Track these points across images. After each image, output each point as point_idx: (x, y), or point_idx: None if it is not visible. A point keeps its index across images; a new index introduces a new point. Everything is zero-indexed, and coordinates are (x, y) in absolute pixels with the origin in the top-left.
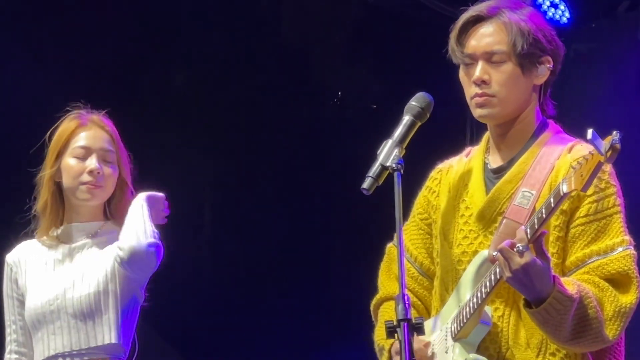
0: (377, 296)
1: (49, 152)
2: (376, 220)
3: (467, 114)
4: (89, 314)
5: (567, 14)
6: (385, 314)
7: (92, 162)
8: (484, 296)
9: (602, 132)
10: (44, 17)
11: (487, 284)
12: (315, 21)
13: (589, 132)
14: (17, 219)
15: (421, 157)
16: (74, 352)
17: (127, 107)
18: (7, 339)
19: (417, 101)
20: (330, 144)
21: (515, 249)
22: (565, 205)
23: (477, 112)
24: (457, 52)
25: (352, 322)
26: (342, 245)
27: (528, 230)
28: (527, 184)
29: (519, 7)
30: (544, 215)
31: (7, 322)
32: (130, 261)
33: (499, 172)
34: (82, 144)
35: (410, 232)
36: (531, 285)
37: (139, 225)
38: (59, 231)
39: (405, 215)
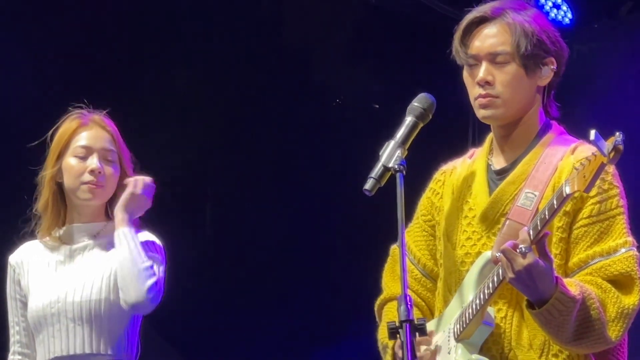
0: (381, 297)
1: (50, 152)
2: (379, 221)
3: (469, 115)
4: (87, 320)
5: (569, 15)
6: (388, 314)
7: (93, 162)
8: (486, 297)
9: (605, 134)
10: (45, 17)
11: (490, 285)
12: (317, 21)
13: (592, 133)
14: (19, 220)
15: (423, 158)
16: (73, 356)
17: (128, 107)
18: (11, 340)
19: (419, 102)
20: (332, 144)
21: (518, 250)
22: (568, 207)
23: (480, 113)
24: (461, 53)
25: (355, 323)
26: (344, 246)
27: (531, 232)
28: (530, 185)
29: (523, 8)
30: (546, 217)
31: (10, 324)
32: (134, 310)
33: (502, 173)
34: (83, 143)
35: (413, 234)
36: (534, 286)
37: (132, 270)
38: (61, 232)
39: (408, 216)
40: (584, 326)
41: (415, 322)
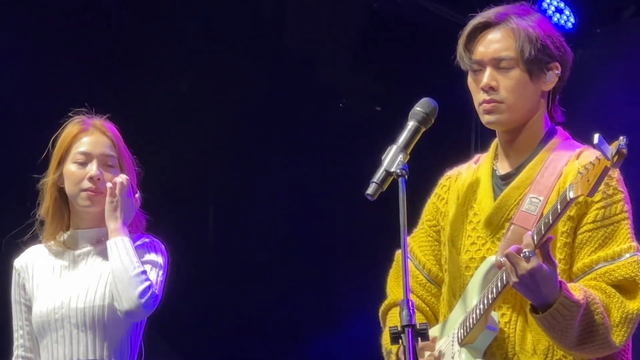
0: (386, 302)
1: (51, 158)
2: (383, 227)
3: (471, 120)
4: (90, 326)
5: (572, 19)
6: (392, 319)
7: (92, 168)
8: (490, 302)
9: (608, 138)
10: (45, 19)
11: (494, 289)
12: (320, 25)
13: (596, 137)
14: (24, 225)
15: (426, 162)
16: None
17: (129, 111)
18: (15, 344)
19: (421, 107)
20: (335, 148)
21: (521, 254)
22: (572, 212)
23: (485, 119)
24: (465, 59)
25: (358, 328)
26: (346, 249)
27: (535, 236)
28: (535, 191)
29: (527, 14)
30: (550, 221)
31: (14, 327)
32: (129, 318)
33: (507, 178)
34: (82, 149)
35: (418, 239)
36: (537, 291)
37: (124, 278)
38: (65, 236)
39: (411, 220)
40: (587, 331)
41: (418, 327)
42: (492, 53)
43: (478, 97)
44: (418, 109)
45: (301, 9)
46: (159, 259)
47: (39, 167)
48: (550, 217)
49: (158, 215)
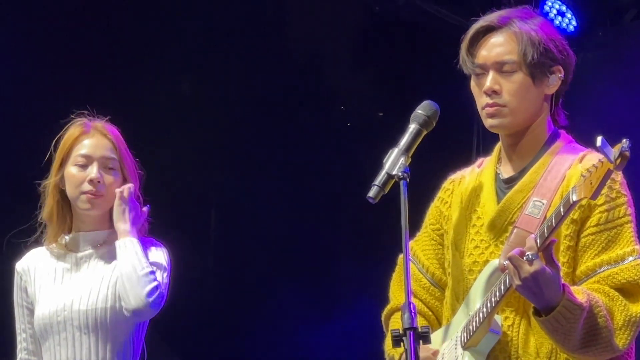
0: (388, 306)
1: (54, 160)
2: (385, 230)
3: (473, 123)
4: (93, 328)
5: (574, 22)
6: (395, 323)
7: (92, 171)
8: (493, 305)
9: (610, 141)
10: (48, 23)
11: (497, 292)
12: (322, 29)
13: (598, 140)
14: (26, 227)
15: (428, 165)
16: None
17: (131, 114)
18: (18, 347)
19: (423, 109)
20: (337, 151)
21: (525, 257)
22: (575, 215)
23: (488, 122)
24: (468, 63)
25: (359, 333)
26: (348, 251)
27: (538, 239)
28: (538, 194)
29: (529, 17)
30: (553, 224)
31: (17, 330)
32: (135, 317)
33: (510, 182)
34: (83, 152)
35: (422, 243)
36: (540, 294)
37: (132, 277)
38: (67, 239)
39: (412, 223)
40: (591, 334)
41: (419, 330)
42: (495, 57)
43: (481, 100)
44: (420, 111)
45: (302, 12)
46: (163, 261)
47: (41, 170)
48: (553, 220)
49: (160, 218)
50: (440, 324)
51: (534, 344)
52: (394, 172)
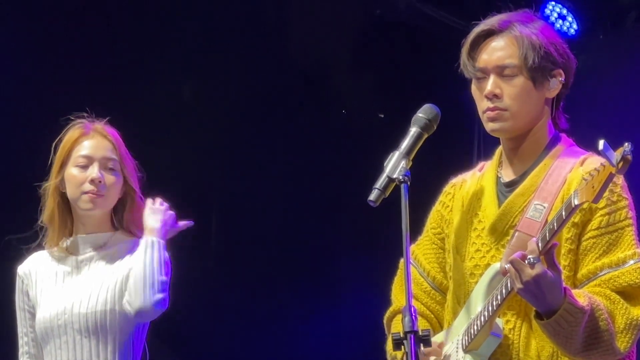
0: (390, 309)
1: (54, 162)
2: (387, 233)
3: (475, 126)
4: (94, 331)
5: (574, 26)
6: (396, 326)
7: (93, 171)
8: (495, 308)
9: (612, 144)
10: (48, 25)
11: (499, 296)
12: (323, 31)
13: (601, 143)
14: (27, 231)
15: (428, 169)
16: None
17: (132, 117)
18: (20, 350)
19: (424, 113)
20: (338, 155)
21: (526, 261)
22: (577, 218)
23: (489, 126)
24: (469, 66)
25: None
26: (350, 257)
27: (539, 242)
28: (539, 197)
29: (530, 21)
30: (555, 227)
31: (19, 334)
32: (137, 317)
33: (511, 185)
34: (83, 153)
35: (423, 247)
36: (542, 297)
37: (147, 278)
38: (68, 242)
39: (415, 227)
40: (592, 337)
41: (420, 333)
42: (496, 61)
43: (482, 104)
44: (420, 115)
45: (303, 15)
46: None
47: (41, 172)
48: (554, 224)
49: None
50: (441, 328)
51: (535, 347)
52: (394, 176)
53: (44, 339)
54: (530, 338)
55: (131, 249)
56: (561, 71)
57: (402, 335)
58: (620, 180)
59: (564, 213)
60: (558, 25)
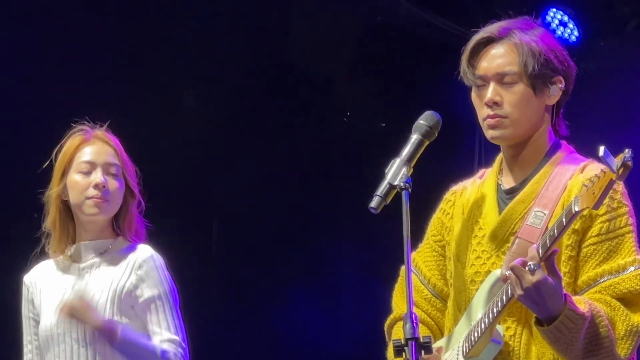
0: (391, 316)
1: (55, 170)
2: (388, 240)
3: (476, 134)
4: (91, 341)
5: (575, 33)
6: (397, 333)
7: (97, 176)
8: (495, 315)
9: (613, 151)
10: (48, 30)
11: (499, 302)
12: (324, 39)
13: (601, 149)
14: (33, 239)
15: (429, 176)
16: None
17: (134, 122)
18: (24, 358)
19: (425, 120)
20: (339, 162)
21: (526, 267)
22: (577, 225)
23: (489, 134)
24: (469, 74)
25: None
26: (351, 262)
27: (540, 249)
28: (539, 204)
29: (530, 28)
30: (555, 234)
31: (24, 342)
32: None
33: (511, 192)
34: (86, 158)
35: (423, 254)
36: (542, 303)
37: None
38: (72, 250)
39: (414, 234)
40: (593, 344)
41: (421, 340)
42: (496, 68)
43: (482, 112)
44: (422, 122)
45: (305, 22)
46: (165, 287)
47: (42, 180)
48: (555, 230)
49: (161, 228)
50: (442, 335)
51: (535, 354)
52: (396, 183)
53: (45, 347)
54: (530, 345)
55: (129, 256)
56: (561, 78)
57: (403, 342)
58: (620, 187)
59: (564, 219)
60: (559, 32)
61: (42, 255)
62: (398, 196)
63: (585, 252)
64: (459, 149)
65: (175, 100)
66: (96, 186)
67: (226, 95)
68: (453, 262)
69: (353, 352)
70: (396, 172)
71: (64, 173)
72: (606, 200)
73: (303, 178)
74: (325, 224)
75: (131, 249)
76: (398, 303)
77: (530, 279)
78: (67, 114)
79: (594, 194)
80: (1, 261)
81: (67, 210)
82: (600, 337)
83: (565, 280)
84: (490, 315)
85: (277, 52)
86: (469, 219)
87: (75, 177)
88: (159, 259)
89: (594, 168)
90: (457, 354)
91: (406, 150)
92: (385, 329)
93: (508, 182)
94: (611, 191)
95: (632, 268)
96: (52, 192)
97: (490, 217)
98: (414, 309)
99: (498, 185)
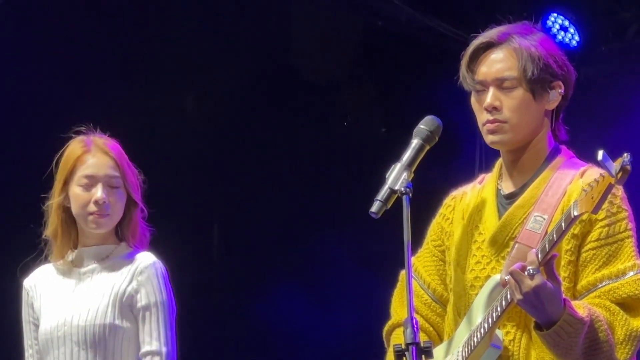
0: (390, 322)
1: (56, 179)
2: (388, 246)
3: (476, 138)
4: (91, 344)
5: (576, 38)
6: (396, 339)
7: (97, 192)
8: (495, 320)
9: (613, 156)
10: (55, 42)
11: (498, 307)
12: (325, 44)
13: (600, 153)
14: (33, 244)
15: (430, 181)
16: None
17: (135, 128)
18: None
19: (426, 124)
20: (339, 166)
21: (526, 272)
22: (576, 230)
23: (489, 139)
24: (468, 79)
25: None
26: (352, 266)
27: (539, 253)
28: (539, 209)
29: (529, 33)
30: (555, 238)
31: (25, 346)
32: None
33: (511, 197)
34: (87, 172)
35: (423, 259)
36: (542, 308)
37: None
38: (73, 255)
39: (415, 239)
40: (592, 348)
41: (422, 345)
42: (495, 73)
43: (481, 117)
44: (422, 126)
45: (306, 27)
46: (162, 297)
47: (43, 185)
48: (554, 235)
49: (162, 232)
50: (441, 340)
51: (535, 359)
52: (396, 187)
53: (45, 350)
54: (530, 349)
55: (131, 262)
56: (560, 83)
57: (403, 346)
58: (619, 191)
59: (563, 224)
60: (560, 37)
61: (43, 261)
62: (398, 201)
63: (585, 257)
64: (460, 154)
65: (176, 103)
66: (96, 202)
67: (227, 100)
68: (453, 267)
69: (354, 357)
70: (397, 176)
71: (66, 183)
72: (605, 205)
73: (304, 183)
74: (325, 228)
75: (133, 255)
76: (397, 309)
77: (530, 283)
78: (67, 118)
79: (592, 198)
80: (2, 264)
81: (69, 217)
82: (600, 342)
83: (564, 284)
84: (490, 319)
85: (278, 57)
86: (469, 224)
87: (76, 190)
88: (160, 268)
89: (593, 173)
90: (457, 359)
91: (407, 155)
92: (384, 334)
93: (508, 187)
94: (610, 196)
95: (631, 273)
96: (54, 201)
97: (489, 222)
98: (414, 315)
99: (498, 190)
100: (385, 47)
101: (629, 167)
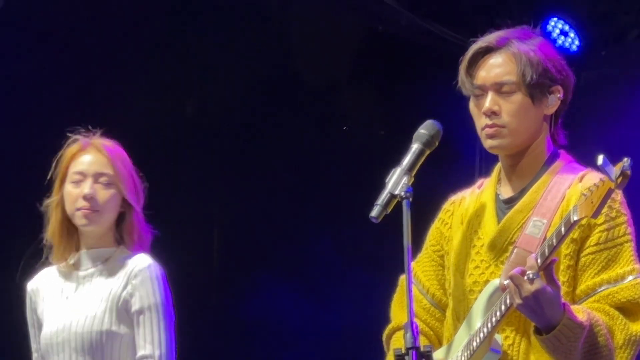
0: (390, 326)
1: (55, 179)
2: (387, 250)
3: (476, 143)
4: (89, 350)
5: (577, 42)
6: (396, 343)
7: (85, 187)
8: (494, 324)
9: (613, 160)
10: (55, 42)
11: (498, 312)
12: (324, 48)
13: (600, 158)
14: (38, 246)
15: (430, 185)
16: None
17: (135, 131)
18: None
19: (425, 129)
20: (339, 171)
21: (525, 276)
22: (575, 234)
23: (487, 143)
24: (467, 84)
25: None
26: (352, 270)
27: (538, 258)
28: (538, 214)
29: (528, 37)
30: (554, 243)
31: (32, 350)
32: None
33: (510, 202)
34: (78, 169)
35: (422, 264)
36: (541, 312)
37: None
38: (75, 258)
39: (415, 244)
40: (591, 353)
41: (422, 349)
42: (494, 78)
43: (480, 122)
44: (422, 131)
45: (305, 31)
46: (158, 299)
47: (44, 188)
48: (554, 240)
49: (162, 236)
50: (441, 345)
51: None
52: (396, 192)
53: (46, 355)
54: (529, 354)
55: (127, 265)
56: (559, 87)
57: (403, 351)
58: (619, 196)
59: (563, 229)
60: (560, 42)
61: (46, 264)
62: (397, 205)
63: (584, 261)
64: (459, 159)
65: (176, 105)
66: (84, 197)
67: (226, 104)
68: (452, 271)
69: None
70: (397, 181)
71: (62, 182)
72: (605, 210)
73: (304, 185)
74: (325, 232)
75: (130, 258)
76: (397, 313)
77: (529, 288)
78: (67, 118)
79: (592, 202)
80: (3, 267)
81: (68, 218)
82: (599, 346)
83: (563, 289)
84: (489, 324)
85: (278, 59)
86: (468, 228)
87: (68, 187)
88: (156, 270)
89: (592, 177)
90: None
91: (407, 160)
92: (384, 338)
93: (506, 192)
94: (610, 200)
95: (630, 277)
96: (51, 201)
97: (488, 226)
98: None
99: (497, 195)
100: (385, 51)
101: (629, 172)
